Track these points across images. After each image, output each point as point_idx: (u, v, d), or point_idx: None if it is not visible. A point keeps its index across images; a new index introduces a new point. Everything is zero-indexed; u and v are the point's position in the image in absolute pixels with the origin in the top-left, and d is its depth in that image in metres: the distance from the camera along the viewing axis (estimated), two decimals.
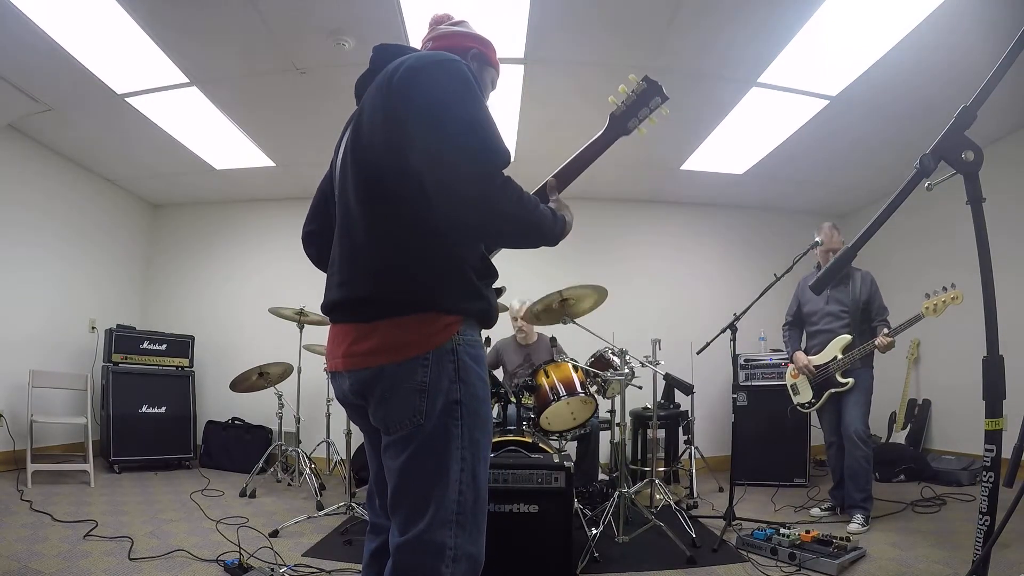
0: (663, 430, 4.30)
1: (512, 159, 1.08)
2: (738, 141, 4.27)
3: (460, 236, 1.12)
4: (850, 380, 3.22)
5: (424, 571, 1.04)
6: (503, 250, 1.40)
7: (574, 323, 3.04)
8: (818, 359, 3.36)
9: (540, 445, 2.82)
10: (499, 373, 4.12)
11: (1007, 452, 1.01)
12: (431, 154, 1.01)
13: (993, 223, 1.01)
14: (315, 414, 4.39)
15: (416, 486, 1.07)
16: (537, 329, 4.13)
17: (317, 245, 1.37)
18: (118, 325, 4.78)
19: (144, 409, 4.64)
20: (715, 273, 5.56)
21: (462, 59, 1.28)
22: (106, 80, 3.40)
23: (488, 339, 3.91)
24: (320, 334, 4.13)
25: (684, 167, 4.75)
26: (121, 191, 5.26)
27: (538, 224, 1.10)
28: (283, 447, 4.33)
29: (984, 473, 1.02)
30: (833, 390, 3.29)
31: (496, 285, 1.27)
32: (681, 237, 5.65)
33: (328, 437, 4.38)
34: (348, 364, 1.13)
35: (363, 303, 1.12)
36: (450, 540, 1.05)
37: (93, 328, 4.87)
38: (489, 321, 1.19)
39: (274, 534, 2.88)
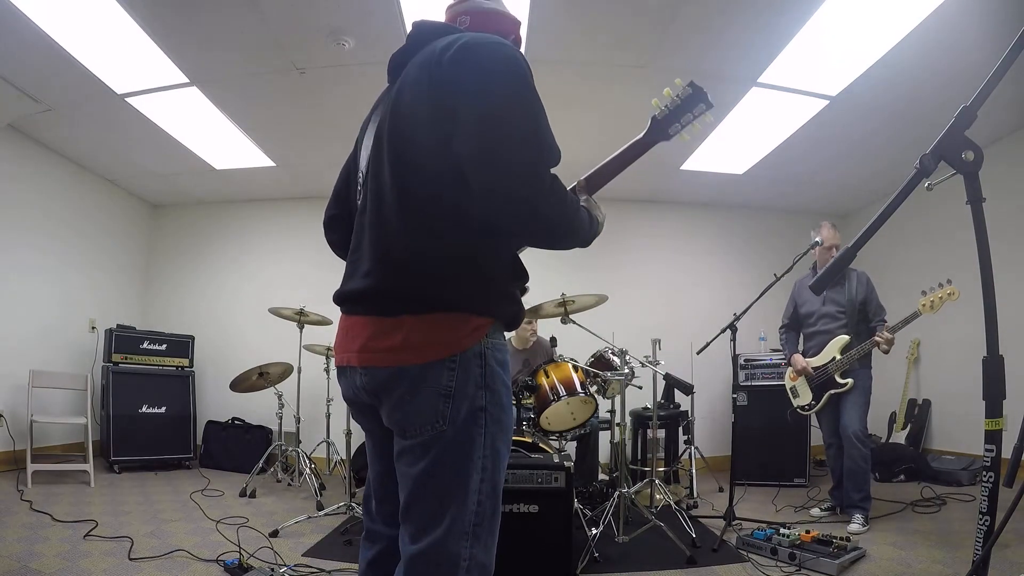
0: (663, 430, 4.30)
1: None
2: (738, 141, 4.27)
3: (497, 232, 1.06)
4: (849, 380, 3.21)
5: None
6: None
7: (574, 323, 3.04)
8: (816, 360, 3.35)
9: (540, 445, 2.82)
10: None
11: (1007, 452, 1.01)
12: (483, 150, 0.95)
13: (993, 223, 1.01)
14: (315, 414, 4.39)
15: (433, 495, 1.02)
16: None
17: (340, 231, 1.28)
18: (118, 325, 4.78)
19: (144, 409, 4.64)
20: (715, 273, 5.56)
21: None
22: (106, 80, 3.40)
23: None
24: (320, 334, 4.18)
25: (684, 167, 4.75)
26: (121, 191, 5.26)
27: (576, 229, 1.07)
28: (283, 447, 4.33)
29: (984, 473, 1.02)
30: (833, 391, 3.28)
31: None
32: (681, 237, 5.65)
33: (328, 437, 4.38)
34: (365, 360, 1.05)
35: (390, 295, 1.04)
36: (465, 551, 1.01)
37: (93, 328, 4.87)
38: (516, 325, 1.14)
39: (274, 534, 2.88)
